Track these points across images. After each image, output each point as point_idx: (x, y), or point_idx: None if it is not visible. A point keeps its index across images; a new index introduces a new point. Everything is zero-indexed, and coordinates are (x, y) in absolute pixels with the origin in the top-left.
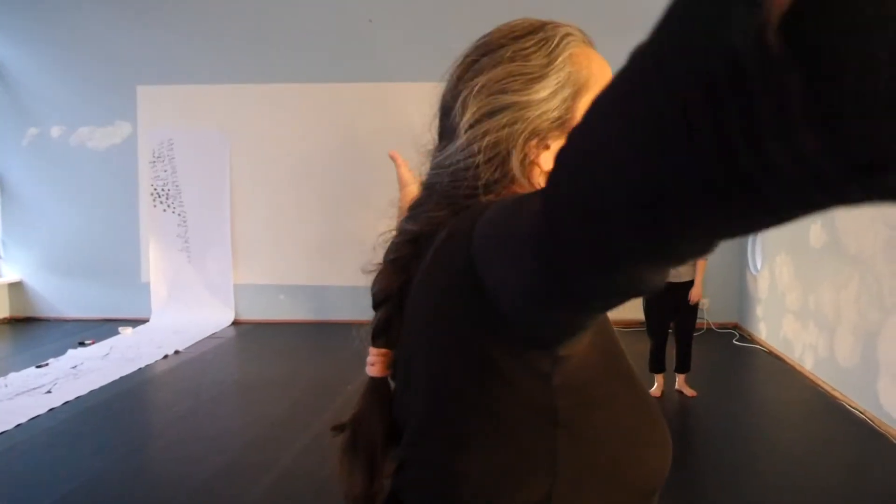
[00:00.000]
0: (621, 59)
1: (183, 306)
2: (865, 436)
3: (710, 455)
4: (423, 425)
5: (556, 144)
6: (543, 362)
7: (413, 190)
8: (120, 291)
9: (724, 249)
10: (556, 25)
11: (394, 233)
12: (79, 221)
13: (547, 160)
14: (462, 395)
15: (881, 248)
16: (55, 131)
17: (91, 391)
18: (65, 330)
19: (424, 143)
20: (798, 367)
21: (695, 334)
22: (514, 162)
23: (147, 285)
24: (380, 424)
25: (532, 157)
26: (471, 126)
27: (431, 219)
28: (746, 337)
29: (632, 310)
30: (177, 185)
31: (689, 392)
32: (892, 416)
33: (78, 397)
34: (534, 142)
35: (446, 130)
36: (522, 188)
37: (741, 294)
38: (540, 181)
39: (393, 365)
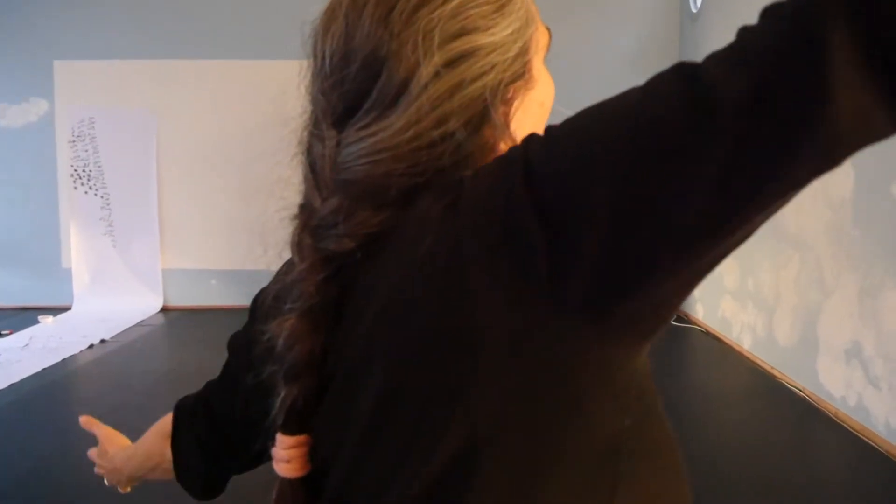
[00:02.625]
0: None
1: (108, 293)
2: (804, 414)
3: None
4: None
5: (524, 97)
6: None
7: (119, 441)
8: (39, 278)
9: None
10: None
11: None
12: None
13: (521, 122)
14: (521, 428)
15: (822, 230)
16: None
17: (10, 385)
18: None
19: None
20: (736, 347)
21: None
22: (495, 124)
23: (68, 271)
24: None
25: (511, 116)
26: (425, 86)
27: (362, 229)
28: (683, 317)
29: None
30: (99, 166)
31: None
32: (832, 394)
33: None
34: (509, 95)
35: (374, 102)
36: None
37: None
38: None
39: (317, 452)
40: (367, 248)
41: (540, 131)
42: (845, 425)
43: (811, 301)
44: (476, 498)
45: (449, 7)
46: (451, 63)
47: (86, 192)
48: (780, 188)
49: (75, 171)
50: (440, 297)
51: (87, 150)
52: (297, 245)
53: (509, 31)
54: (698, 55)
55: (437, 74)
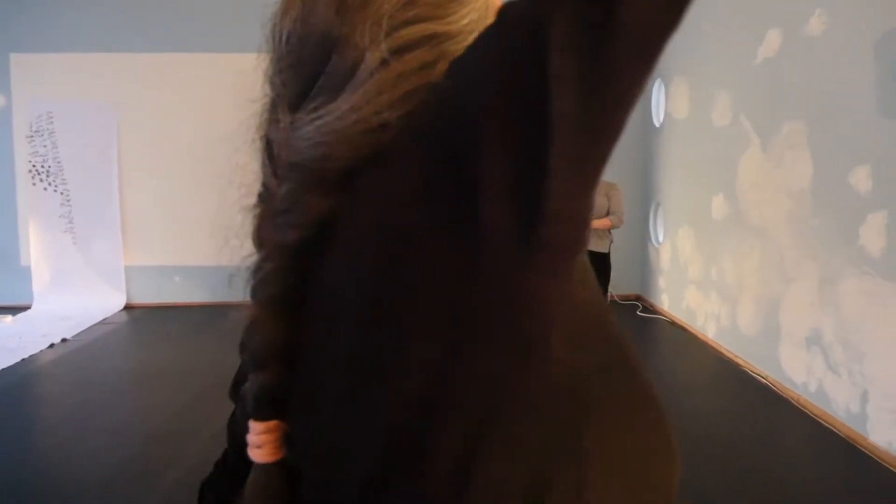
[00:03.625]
0: None
1: (69, 291)
2: (768, 400)
3: None
4: (410, 454)
5: None
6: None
7: None
8: None
9: (627, 223)
10: None
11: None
12: None
13: None
14: (479, 380)
15: (783, 220)
16: None
17: None
18: None
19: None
20: (701, 336)
21: None
22: None
23: (28, 269)
24: None
25: None
26: (371, 73)
27: (311, 216)
28: (649, 308)
29: None
30: (58, 162)
31: None
32: (794, 381)
33: None
34: None
35: (324, 84)
36: None
37: (643, 266)
38: None
39: (291, 437)
40: (322, 234)
41: None
42: (807, 411)
43: (773, 290)
44: (435, 452)
45: None
46: (399, 50)
47: (45, 189)
48: (629, 39)
49: (34, 166)
50: (389, 268)
51: (45, 146)
52: (256, 234)
53: (466, 20)
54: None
55: (383, 62)
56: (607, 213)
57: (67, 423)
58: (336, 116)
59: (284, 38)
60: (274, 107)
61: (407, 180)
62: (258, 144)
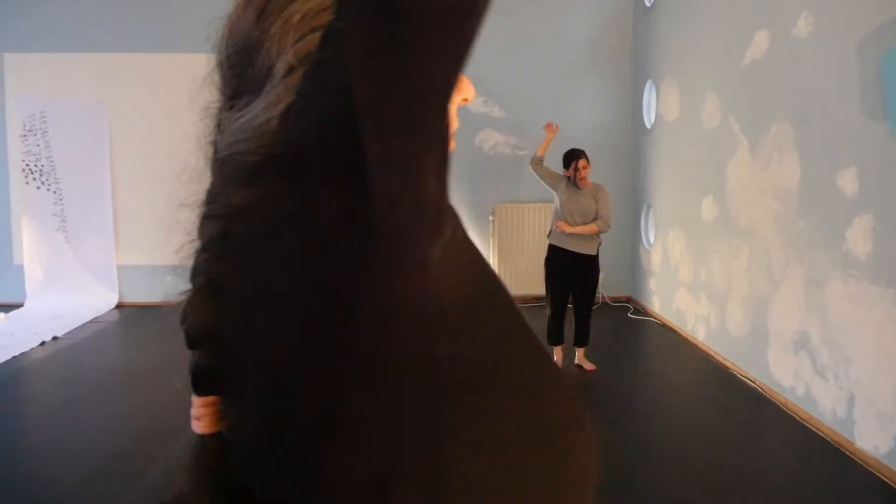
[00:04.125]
0: None
1: (61, 290)
2: (756, 403)
3: (608, 428)
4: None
5: None
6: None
7: None
8: None
9: (618, 224)
10: None
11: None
12: None
13: None
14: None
15: (770, 221)
16: None
17: None
18: None
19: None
20: (691, 339)
21: (593, 307)
22: None
23: (21, 267)
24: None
25: None
26: (288, 72)
27: (229, 209)
28: (640, 310)
29: (532, 284)
30: (51, 161)
31: (588, 366)
32: (781, 384)
33: None
34: None
35: (248, 82)
36: None
37: (634, 268)
38: None
39: (230, 412)
40: (242, 226)
41: None
42: (794, 415)
43: (761, 292)
44: (298, 442)
45: (317, 1)
46: (305, 57)
47: (38, 188)
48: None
49: (27, 165)
50: (265, 259)
51: (38, 145)
52: (197, 227)
53: None
54: (651, 47)
55: (291, 69)
56: (595, 217)
57: (52, 420)
58: (253, 115)
59: (224, 41)
60: (219, 108)
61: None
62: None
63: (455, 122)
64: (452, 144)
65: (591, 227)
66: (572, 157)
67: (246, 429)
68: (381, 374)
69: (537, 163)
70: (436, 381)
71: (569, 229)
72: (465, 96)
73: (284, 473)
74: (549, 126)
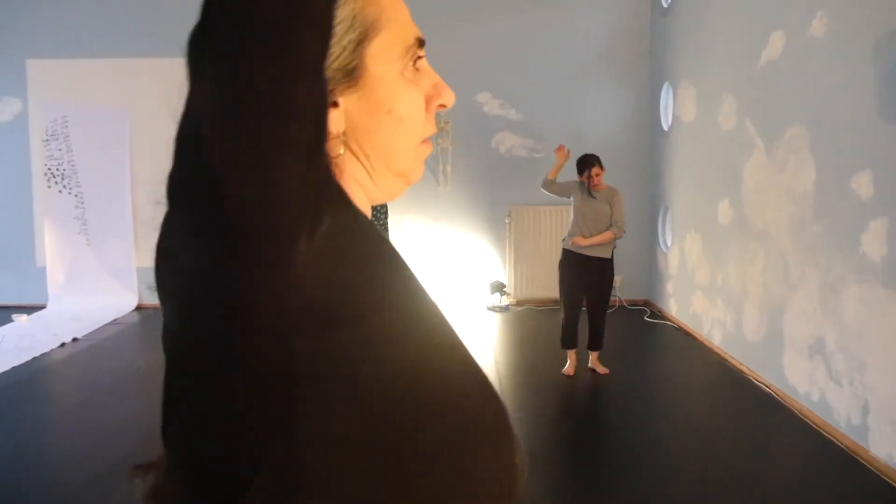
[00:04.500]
0: None
1: (82, 291)
2: (770, 408)
3: (621, 432)
4: None
5: (346, 100)
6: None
7: None
8: (14, 277)
9: (635, 227)
10: None
11: None
12: None
13: (336, 120)
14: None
15: (785, 224)
16: None
17: None
18: None
19: None
20: (707, 343)
21: (607, 311)
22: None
23: (43, 270)
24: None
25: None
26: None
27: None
28: (657, 313)
29: (547, 287)
30: (73, 165)
31: (601, 370)
32: (796, 390)
33: None
34: None
35: None
36: None
37: (651, 271)
38: (332, 146)
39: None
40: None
41: (398, 139)
42: (809, 421)
43: (777, 296)
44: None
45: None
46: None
47: (60, 191)
48: None
49: (49, 169)
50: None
51: (60, 149)
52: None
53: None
54: (668, 49)
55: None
56: (610, 221)
57: (67, 420)
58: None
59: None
60: None
61: None
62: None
63: (430, 128)
64: (337, 148)
65: (605, 236)
66: (586, 164)
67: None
68: (240, 366)
69: (548, 184)
70: (292, 374)
71: (584, 242)
72: (443, 102)
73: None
74: (560, 149)
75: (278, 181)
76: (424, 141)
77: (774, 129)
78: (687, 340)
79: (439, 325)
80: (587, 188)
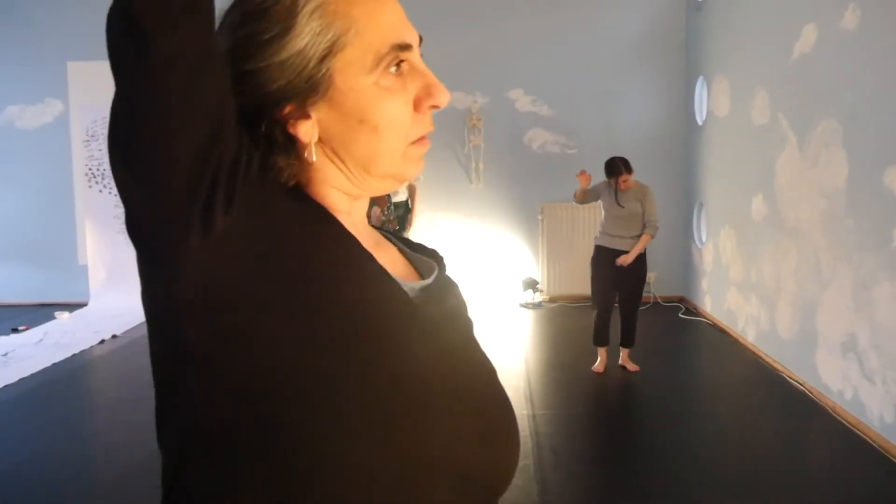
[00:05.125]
0: None
1: (123, 289)
2: (803, 407)
3: (651, 430)
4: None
5: (317, 111)
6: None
7: None
8: (57, 275)
9: (670, 223)
10: None
11: None
12: (10, 204)
13: (307, 131)
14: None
15: (818, 220)
16: None
17: (21, 379)
18: None
19: None
20: (741, 340)
21: (641, 308)
22: (274, 133)
23: (85, 268)
24: None
25: (290, 128)
26: None
27: None
28: (692, 310)
29: (581, 284)
30: None
31: (631, 367)
32: (830, 388)
33: (6, 386)
34: (287, 109)
35: None
36: (288, 163)
37: (686, 267)
38: (306, 155)
39: None
40: None
41: (374, 147)
42: (842, 420)
43: (809, 293)
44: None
45: (239, 36)
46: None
47: (100, 191)
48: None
49: (90, 170)
50: None
51: (100, 150)
52: None
53: (282, 56)
54: (703, 43)
55: None
56: (642, 221)
57: (101, 416)
58: None
59: None
60: None
61: None
62: None
63: (421, 129)
64: (311, 156)
65: (643, 243)
66: (613, 171)
67: None
68: (159, 358)
69: (579, 201)
70: (188, 360)
71: (628, 259)
72: (435, 103)
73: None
74: (581, 174)
75: (163, 190)
76: (418, 140)
77: (806, 123)
78: (721, 338)
79: (336, 326)
80: (615, 192)
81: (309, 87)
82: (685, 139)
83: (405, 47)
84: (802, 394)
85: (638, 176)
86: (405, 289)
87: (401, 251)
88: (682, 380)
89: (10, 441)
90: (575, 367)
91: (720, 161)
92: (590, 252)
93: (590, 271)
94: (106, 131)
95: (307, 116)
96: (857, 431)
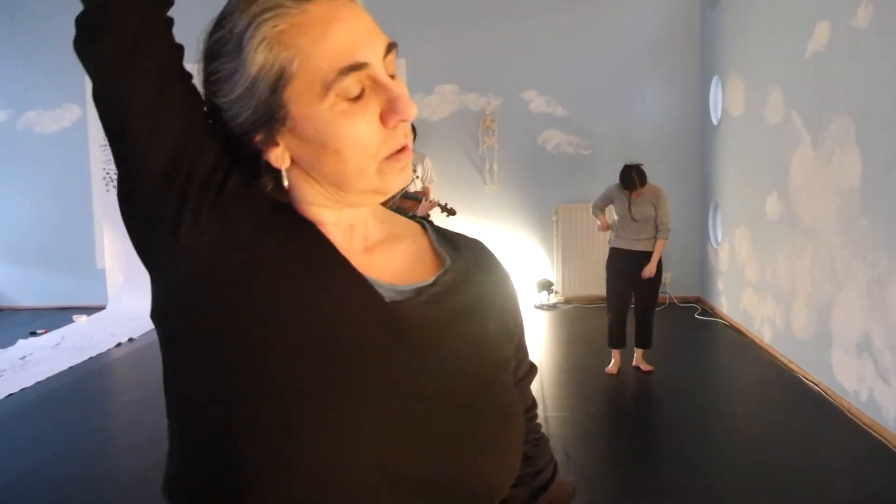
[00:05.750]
0: None
1: (140, 292)
2: (819, 407)
3: (666, 431)
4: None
5: (284, 139)
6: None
7: None
8: (75, 278)
9: (686, 223)
10: (248, 2)
11: None
12: (29, 208)
13: (278, 157)
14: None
15: (833, 219)
16: (1, 116)
17: (37, 382)
18: (17, 319)
19: None
20: (757, 341)
21: (657, 309)
22: (256, 157)
23: (103, 272)
24: None
25: (265, 155)
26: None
27: None
28: (708, 311)
29: (596, 284)
30: None
31: (645, 368)
32: (845, 388)
33: (23, 389)
34: (258, 138)
35: None
36: (271, 183)
37: (702, 267)
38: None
39: None
40: None
41: (342, 167)
42: (858, 421)
43: (824, 292)
44: None
45: (204, 70)
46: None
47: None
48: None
49: (107, 174)
50: None
51: None
52: None
53: (235, 94)
54: (717, 42)
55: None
56: (655, 225)
57: (118, 419)
58: None
59: None
60: None
61: None
62: None
63: (391, 145)
64: (285, 179)
65: (659, 248)
66: (628, 184)
67: None
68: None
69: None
70: (164, 357)
71: (652, 269)
72: (400, 118)
73: None
74: (601, 228)
75: (132, 193)
76: (392, 155)
77: (820, 121)
78: (737, 338)
79: (281, 332)
80: (629, 201)
81: (268, 119)
82: (700, 139)
83: (357, 67)
84: (818, 394)
85: (653, 176)
86: (385, 292)
87: (431, 245)
88: (697, 381)
89: (28, 443)
90: (589, 369)
91: (735, 160)
92: (605, 253)
93: (605, 273)
94: None
95: (276, 144)
96: (873, 432)
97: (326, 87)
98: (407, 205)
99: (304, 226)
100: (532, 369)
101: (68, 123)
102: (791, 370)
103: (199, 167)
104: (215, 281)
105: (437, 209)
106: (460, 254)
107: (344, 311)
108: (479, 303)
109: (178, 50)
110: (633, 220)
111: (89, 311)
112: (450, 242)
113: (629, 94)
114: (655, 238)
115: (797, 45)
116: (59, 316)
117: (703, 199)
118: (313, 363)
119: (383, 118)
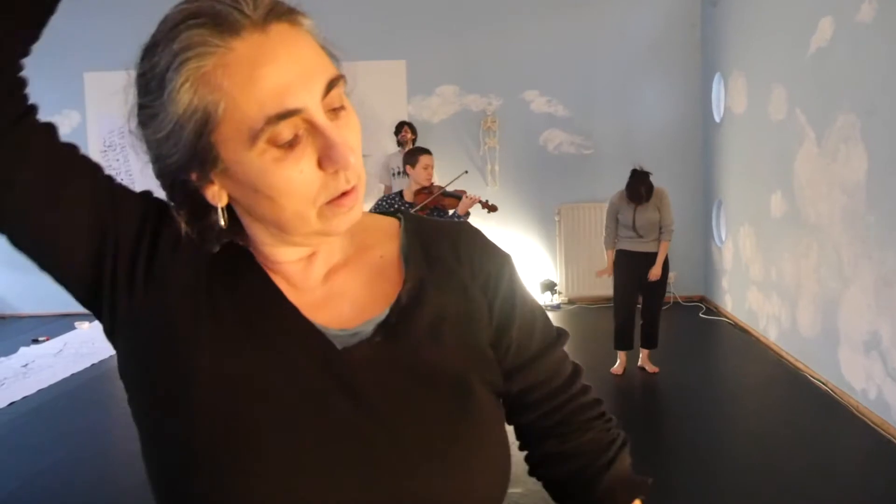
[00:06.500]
0: None
1: None
2: (826, 406)
3: (673, 431)
4: None
5: (218, 179)
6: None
7: None
8: None
9: (689, 221)
10: (172, 36)
11: None
12: None
13: (214, 195)
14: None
15: (838, 216)
16: None
17: (39, 390)
18: (19, 327)
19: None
20: (763, 339)
21: (662, 308)
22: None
23: None
24: None
25: (201, 192)
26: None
27: None
28: (713, 310)
29: (599, 284)
30: (130, 175)
31: (651, 368)
32: (853, 387)
33: (25, 397)
34: (193, 175)
35: None
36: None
37: (706, 266)
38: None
39: None
40: None
41: (279, 212)
42: (866, 419)
43: (831, 290)
44: None
45: (134, 99)
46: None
47: None
48: None
49: None
50: None
51: (118, 160)
52: None
53: (162, 133)
54: (719, 39)
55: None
56: (658, 227)
57: (121, 426)
58: None
59: None
60: None
61: None
62: None
63: (331, 191)
64: (221, 219)
65: (663, 252)
66: (634, 197)
67: None
68: None
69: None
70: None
71: (658, 273)
72: (338, 167)
73: None
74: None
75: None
76: (334, 200)
77: (825, 118)
78: (742, 337)
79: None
80: (633, 213)
81: (199, 161)
82: (703, 137)
83: (287, 115)
84: (826, 393)
85: (655, 176)
86: (334, 338)
87: (399, 253)
88: (703, 380)
89: (30, 451)
90: (593, 370)
91: (738, 158)
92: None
93: (613, 276)
94: (123, 141)
95: (212, 182)
96: (881, 431)
97: (253, 137)
98: (446, 202)
99: (252, 271)
100: (550, 343)
101: (68, 129)
102: (797, 369)
103: (123, 235)
104: (156, 345)
105: (479, 205)
106: (428, 257)
107: (288, 365)
108: (440, 317)
109: (50, 130)
110: (639, 235)
111: (91, 317)
112: (421, 242)
113: (631, 93)
114: (659, 240)
115: (800, 42)
116: (60, 323)
117: (706, 197)
118: (246, 425)
119: (321, 164)
